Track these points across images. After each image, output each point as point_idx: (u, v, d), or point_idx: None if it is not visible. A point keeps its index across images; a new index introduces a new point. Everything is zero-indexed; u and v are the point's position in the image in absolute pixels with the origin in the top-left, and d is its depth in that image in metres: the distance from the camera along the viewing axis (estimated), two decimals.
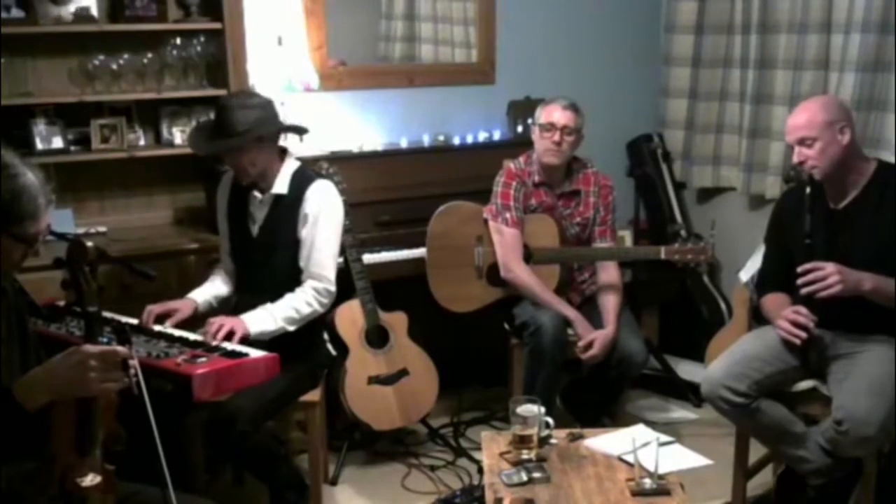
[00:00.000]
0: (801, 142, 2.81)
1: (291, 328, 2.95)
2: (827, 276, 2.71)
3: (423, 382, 3.57)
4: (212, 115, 3.09)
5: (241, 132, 2.90)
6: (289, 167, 3.05)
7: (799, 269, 2.77)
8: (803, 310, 2.83)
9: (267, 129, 2.95)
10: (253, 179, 3.02)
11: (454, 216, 3.64)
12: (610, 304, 3.50)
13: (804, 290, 2.77)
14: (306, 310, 2.98)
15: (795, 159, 2.85)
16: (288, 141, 3.23)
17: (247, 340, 2.78)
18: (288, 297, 2.98)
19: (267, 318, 2.91)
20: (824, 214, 2.87)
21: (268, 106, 3.00)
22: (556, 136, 3.46)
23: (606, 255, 3.62)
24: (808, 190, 2.84)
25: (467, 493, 3.24)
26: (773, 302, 3.01)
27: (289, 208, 3.01)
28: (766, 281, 3.12)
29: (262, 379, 2.59)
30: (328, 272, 3.03)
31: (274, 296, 2.98)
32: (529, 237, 3.56)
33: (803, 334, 2.82)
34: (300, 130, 3.16)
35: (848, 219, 2.86)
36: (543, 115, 3.51)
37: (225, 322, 2.80)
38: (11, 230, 1.90)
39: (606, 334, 3.41)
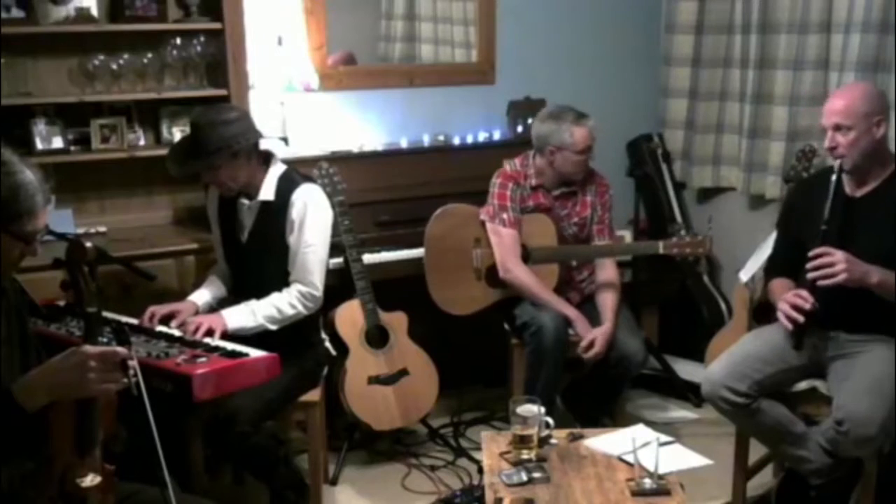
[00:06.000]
0: (836, 128, 2.80)
1: (273, 327, 2.96)
2: (834, 262, 2.71)
3: (423, 382, 3.57)
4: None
5: (214, 150, 2.89)
6: (274, 172, 3.04)
7: (810, 254, 2.77)
8: (803, 293, 2.82)
9: (240, 145, 2.93)
10: (237, 192, 3.03)
11: (451, 219, 3.63)
12: (608, 301, 3.51)
13: (810, 276, 2.77)
14: (289, 311, 2.98)
15: (827, 144, 2.84)
16: (273, 144, 3.22)
17: (225, 336, 2.79)
18: (274, 296, 2.98)
19: (248, 314, 2.92)
20: (841, 200, 2.86)
21: (242, 119, 2.99)
22: (589, 154, 3.51)
23: (605, 251, 3.63)
24: (833, 178, 2.82)
25: (467, 493, 3.24)
26: (779, 286, 3.01)
27: (276, 215, 3.01)
28: (775, 266, 3.13)
29: (262, 379, 2.59)
30: (313, 277, 3.02)
31: None
32: (527, 237, 3.56)
33: (800, 317, 2.81)
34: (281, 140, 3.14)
35: (864, 208, 2.86)
36: (576, 140, 3.45)
37: (203, 321, 2.81)
38: (8, 227, 1.90)
39: (605, 331, 3.42)
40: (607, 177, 3.70)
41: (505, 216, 3.53)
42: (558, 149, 3.48)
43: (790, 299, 2.85)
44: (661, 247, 3.50)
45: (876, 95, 2.87)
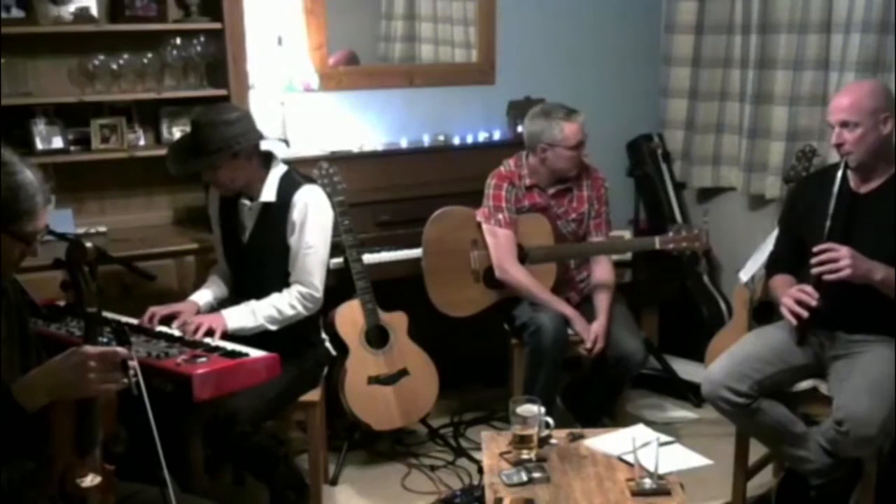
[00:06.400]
0: (843, 124, 2.80)
1: (273, 327, 2.96)
2: (839, 258, 2.71)
3: (423, 382, 3.57)
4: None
5: (214, 150, 2.89)
6: (276, 173, 3.04)
7: (814, 249, 2.77)
8: (808, 288, 2.82)
9: (241, 146, 2.92)
10: (236, 192, 3.03)
11: (448, 221, 3.62)
12: (601, 297, 3.53)
13: (815, 270, 2.76)
14: (289, 311, 2.99)
15: (833, 140, 2.84)
16: (275, 146, 3.21)
17: (226, 336, 2.80)
18: (274, 296, 2.99)
19: (248, 314, 2.92)
20: (846, 197, 2.86)
21: (243, 119, 2.98)
22: (582, 150, 3.49)
23: (601, 248, 3.63)
24: (838, 174, 2.83)
25: (467, 493, 3.24)
26: (780, 282, 3.01)
27: (277, 216, 3.01)
28: (776, 262, 3.13)
29: (262, 379, 2.59)
30: (313, 278, 3.02)
31: None
32: (524, 237, 3.56)
33: (804, 312, 2.81)
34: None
35: (869, 205, 2.86)
36: (566, 136, 3.45)
37: (203, 321, 2.82)
38: (9, 228, 1.90)
39: (601, 325, 3.43)
40: (602, 170, 3.69)
41: (500, 217, 3.53)
42: (550, 146, 3.48)
43: (794, 294, 2.85)
44: (657, 242, 3.50)
45: (883, 92, 2.87)
